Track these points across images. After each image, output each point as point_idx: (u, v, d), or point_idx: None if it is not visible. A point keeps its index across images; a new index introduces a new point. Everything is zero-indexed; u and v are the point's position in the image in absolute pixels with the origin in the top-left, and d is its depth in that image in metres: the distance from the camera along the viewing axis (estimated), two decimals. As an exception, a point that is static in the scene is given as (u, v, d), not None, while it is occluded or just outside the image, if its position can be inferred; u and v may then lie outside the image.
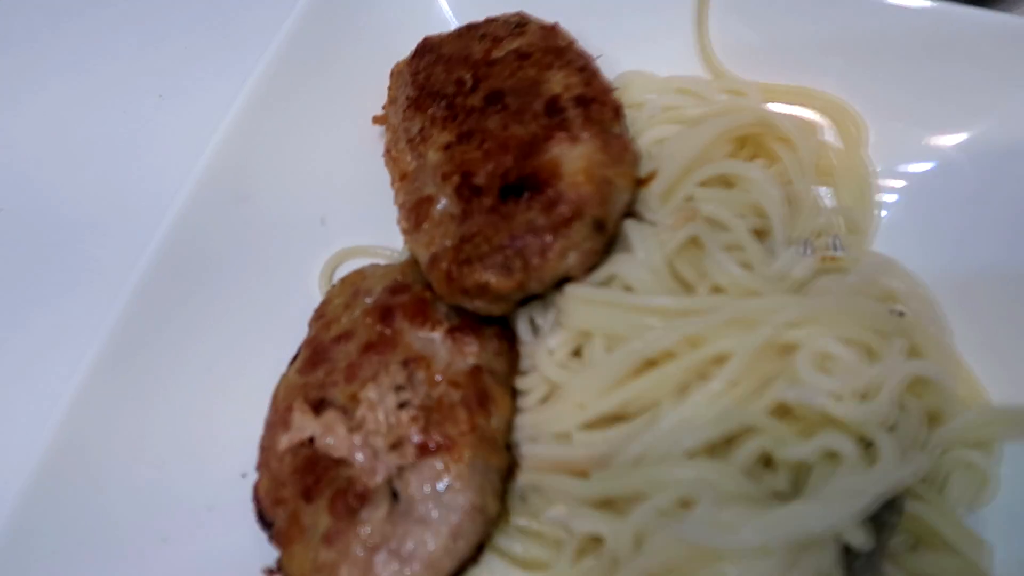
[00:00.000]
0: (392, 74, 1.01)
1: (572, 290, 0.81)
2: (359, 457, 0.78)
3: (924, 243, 0.87)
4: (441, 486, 0.77)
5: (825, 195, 0.96)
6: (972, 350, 0.81)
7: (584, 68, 0.88)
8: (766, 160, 0.94)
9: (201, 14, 1.27)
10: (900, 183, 0.92)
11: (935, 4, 0.89)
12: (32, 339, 1.04)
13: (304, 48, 1.02)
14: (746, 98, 0.96)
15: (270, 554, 0.80)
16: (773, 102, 0.97)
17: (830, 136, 0.96)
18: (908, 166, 0.92)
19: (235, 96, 0.97)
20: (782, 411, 0.74)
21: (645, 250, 0.80)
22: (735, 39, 0.99)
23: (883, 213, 0.92)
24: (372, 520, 0.76)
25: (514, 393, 0.85)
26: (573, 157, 0.81)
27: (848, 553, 0.69)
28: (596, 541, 0.79)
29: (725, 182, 0.89)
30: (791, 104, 0.97)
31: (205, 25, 1.27)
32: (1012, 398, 0.79)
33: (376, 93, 1.02)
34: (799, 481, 0.73)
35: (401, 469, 0.77)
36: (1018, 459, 0.76)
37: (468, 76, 0.92)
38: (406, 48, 1.03)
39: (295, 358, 0.90)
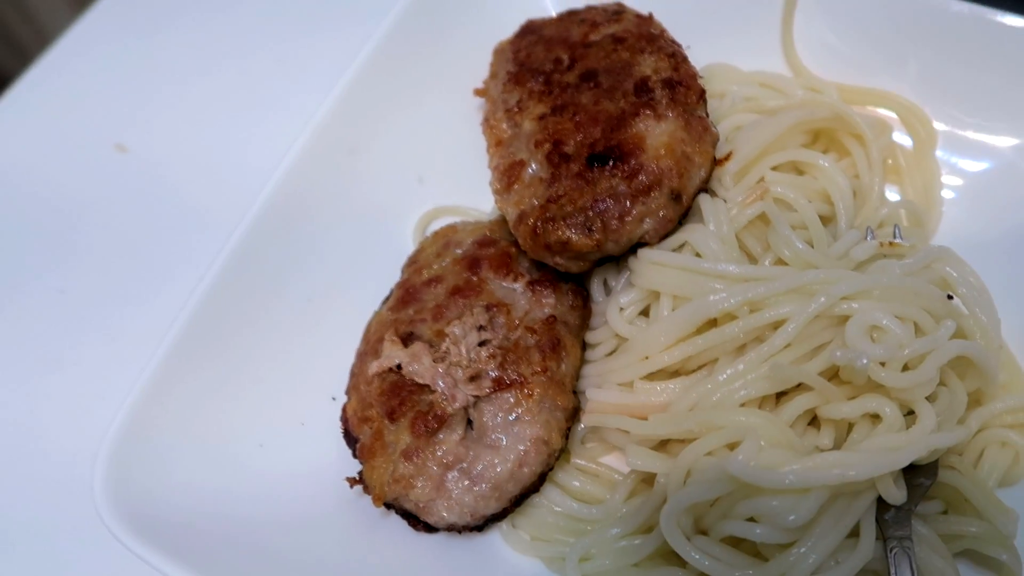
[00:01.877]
0: (495, 52, 1.10)
1: (645, 253, 0.88)
2: (440, 385, 0.87)
3: (979, 237, 0.93)
4: (512, 417, 0.85)
5: (891, 193, 1.02)
6: (1019, 341, 0.86)
7: (674, 54, 0.96)
8: (837, 154, 1.00)
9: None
10: (959, 181, 0.97)
11: (1003, 15, 0.94)
12: (152, 266, 1.15)
13: (416, 23, 1.11)
14: (823, 95, 1.02)
15: (350, 469, 0.90)
16: (849, 102, 1.03)
17: (900, 136, 1.02)
18: (968, 165, 0.97)
19: (347, 66, 1.07)
20: (830, 375, 0.81)
21: (716, 222, 0.87)
22: (818, 40, 1.05)
23: (943, 209, 0.98)
24: (448, 441, 0.84)
25: (584, 346, 0.94)
26: (657, 133, 0.89)
27: (880, 505, 0.75)
28: (646, 484, 0.87)
29: (796, 169, 0.96)
30: (866, 104, 1.03)
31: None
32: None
33: (478, 68, 1.11)
34: (840, 441, 0.79)
35: (477, 399, 0.86)
36: (1052, 443, 0.81)
37: (566, 56, 1.00)
38: (508, 30, 1.12)
39: (387, 298, 0.99)
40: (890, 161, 1.01)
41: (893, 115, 1.02)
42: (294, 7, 1.39)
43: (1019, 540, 0.77)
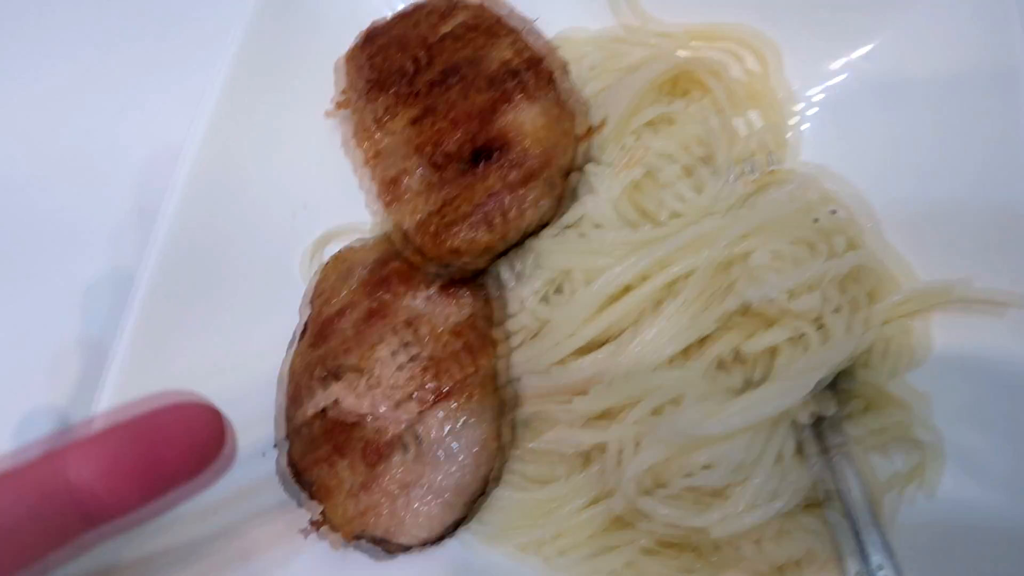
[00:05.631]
0: (345, 61, 1.07)
1: (548, 234, 0.90)
2: (381, 410, 0.87)
3: (847, 147, 0.97)
4: (459, 424, 0.86)
5: (756, 118, 1.06)
6: (900, 235, 0.93)
7: (528, 31, 0.97)
8: (699, 92, 1.03)
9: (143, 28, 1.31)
10: (819, 96, 1.02)
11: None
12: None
13: (254, 58, 1.03)
14: (674, 39, 1.05)
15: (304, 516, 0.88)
16: (697, 39, 1.07)
17: (752, 63, 1.06)
18: (824, 80, 1.02)
19: (188, 112, 1.01)
20: (744, 311, 0.85)
21: (607, 189, 0.90)
22: (655, -13, 1.07)
23: (807, 126, 1.03)
24: (402, 463, 0.85)
25: (507, 334, 0.95)
26: (532, 116, 0.90)
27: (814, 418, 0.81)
28: (598, 449, 0.90)
29: (668, 120, 0.98)
30: (713, 40, 1.07)
31: (153, 37, 1.30)
32: (936, 274, 0.91)
33: (325, 87, 1.08)
34: (767, 369, 0.84)
35: (420, 415, 0.86)
36: (946, 323, 0.88)
37: (422, 53, 0.99)
38: (345, 39, 1.08)
39: (300, 335, 0.97)
40: (747, 88, 1.05)
41: (740, 46, 1.06)
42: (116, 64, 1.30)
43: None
